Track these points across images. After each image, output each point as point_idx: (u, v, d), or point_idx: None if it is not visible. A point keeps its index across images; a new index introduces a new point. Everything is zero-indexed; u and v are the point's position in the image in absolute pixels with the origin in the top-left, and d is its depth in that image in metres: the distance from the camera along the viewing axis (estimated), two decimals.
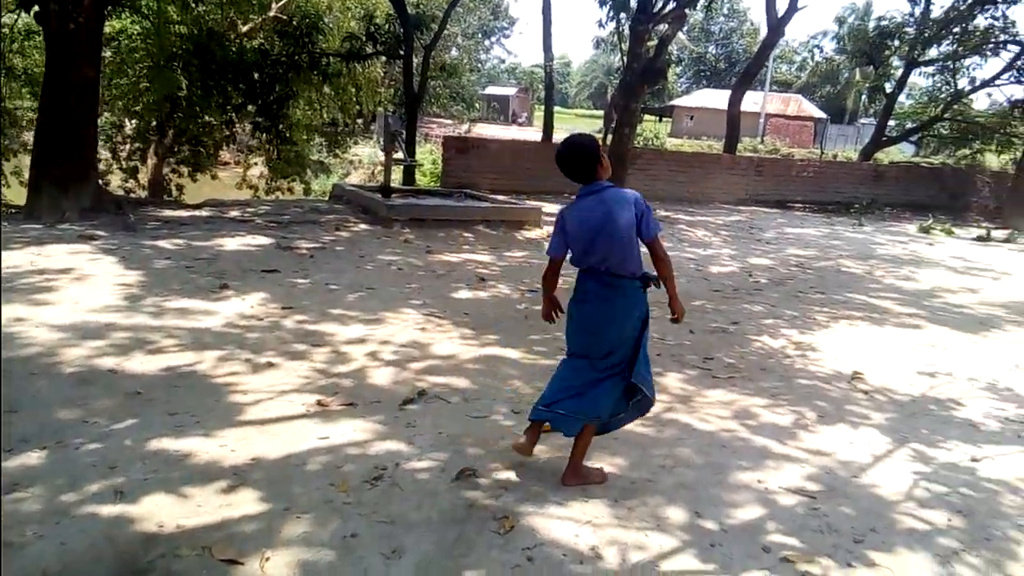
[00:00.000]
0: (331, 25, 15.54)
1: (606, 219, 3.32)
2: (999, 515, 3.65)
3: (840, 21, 40.95)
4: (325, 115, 18.49)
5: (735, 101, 18.77)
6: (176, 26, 13.43)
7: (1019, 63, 21.13)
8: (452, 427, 4.12)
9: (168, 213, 10.03)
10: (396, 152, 10.80)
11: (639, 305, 3.51)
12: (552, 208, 12.98)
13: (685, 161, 18.04)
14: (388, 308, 6.36)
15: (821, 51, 49.14)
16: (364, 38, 13.63)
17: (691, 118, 49.86)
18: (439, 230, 10.10)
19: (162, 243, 8.12)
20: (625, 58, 13.88)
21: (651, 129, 38.02)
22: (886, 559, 3.17)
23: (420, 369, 5.01)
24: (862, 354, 6.20)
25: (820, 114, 51.18)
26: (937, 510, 3.64)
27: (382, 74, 21.33)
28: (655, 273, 3.54)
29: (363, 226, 10.08)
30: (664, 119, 51.40)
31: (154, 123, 15.37)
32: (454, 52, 34.05)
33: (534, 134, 31.35)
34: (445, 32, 31.66)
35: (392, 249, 8.93)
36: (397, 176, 13.84)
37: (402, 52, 13.96)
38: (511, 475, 3.64)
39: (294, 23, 14.04)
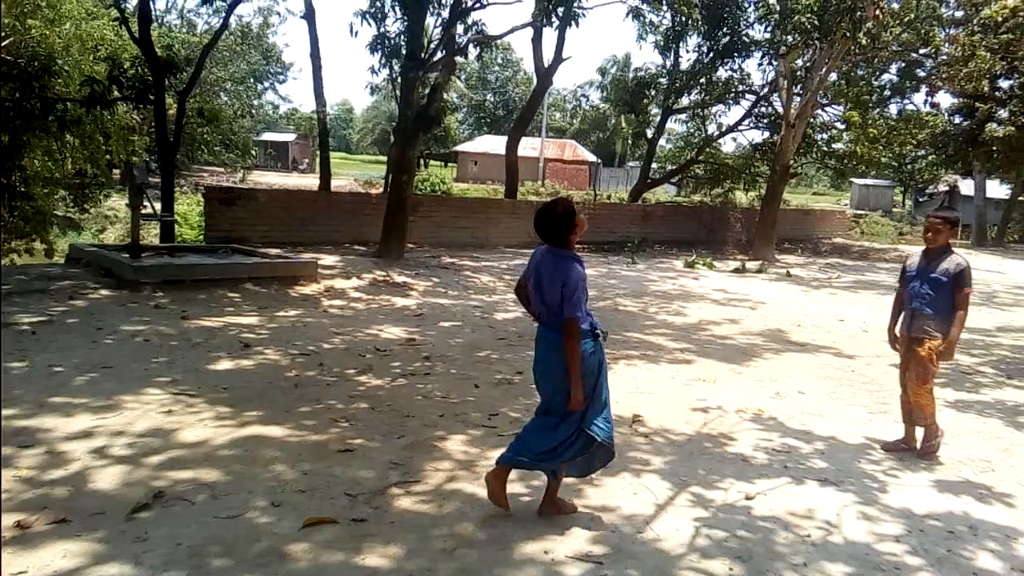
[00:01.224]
0: (68, 68, 13.87)
1: (546, 280, 3.67)
2: (774, 555, 3.65)
3: (602, 71, 44.21)
4: (70, 166, 16.45)
5: (512, 147, 19.34)
6: None
7: (756, 110, 23.79)
8: (195, 535, 3.47)
9: None
10: (145, 207, 9.65)
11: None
12: (332, 260, 12.38)
13: (467, 207, 18.19)
14: (127, 390, 5.45)
15: (587, 99, 52.79)
16: (107, 82, 12.26)
17: (475, 163, 51.20)
18: (199, 292, 9.10)
19: None
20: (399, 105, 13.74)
21: (437, 174, 38.37)
22: None
23: (160, 464, 4.24)
24: (641, 395, 6.26)
25: (593, 158, 54.77)
26: (718, 559, 3.57)
27: (139, 120, 19.52)
28: (601, 330, 3.80)
29: (105, 292, 8.83)
30: (449, 164, 52.36)
31: None
32: (223, 97, 32.22)
33: (317, 181, 30.38)
34: (212, 77, 29.97)
35: (140, 317, 7.86)
36: (156, 232, 12.51)
37: (152, 97, 12.74)
38: None
39: (22, 64, 12.36)
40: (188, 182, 28.33)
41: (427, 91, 13.37)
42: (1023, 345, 9.46)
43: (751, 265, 17.25)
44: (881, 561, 3.67)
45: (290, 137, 57.30)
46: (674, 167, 27.28)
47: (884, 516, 4.18)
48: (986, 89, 19.40)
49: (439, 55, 13.42)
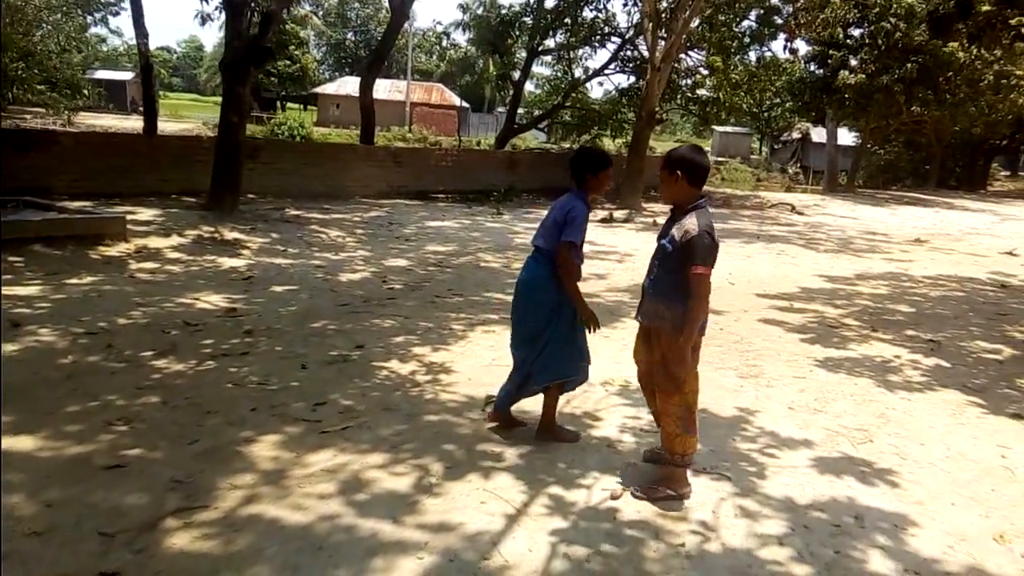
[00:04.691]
0: None
1: (547, 214, 4.16)
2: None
3: (464, 8, 42.31)
4: None
5: (367, 87, 17.87)
6: None
7: (622, 54, 23.30)
8: None
9: None
10: None
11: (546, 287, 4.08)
12: (151, 214, 10.79)
13: (317, 152, 16.66)
14: None
15: (449, 37, 50.80)
16: None
17: (337, 106, 48.64)
18: None
19: None
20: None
21: (295, 118, 35.86)
22: None
23: None
24: (498, 368, 5.46)
25: (461, 102, 53.29)
26: None
27: None
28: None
29: None
30: (309, 108, 49.53)
31: None
32: (46, 28, 28.30)
33: (162, 123, 27.42)
34: (29, 5, 26.17)
35: None
36: None
37: None
38: None
39: None
40: None
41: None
42: (882, 294, 9.45)
43: (618, 214, 16.89)
44: (764, 574, 3.10)
45: (128, 76, 52.05)
46: (542, 112, 26.53)
47: (765, 510, 3.64)
48: (840, 37, 19.82)
49: None
